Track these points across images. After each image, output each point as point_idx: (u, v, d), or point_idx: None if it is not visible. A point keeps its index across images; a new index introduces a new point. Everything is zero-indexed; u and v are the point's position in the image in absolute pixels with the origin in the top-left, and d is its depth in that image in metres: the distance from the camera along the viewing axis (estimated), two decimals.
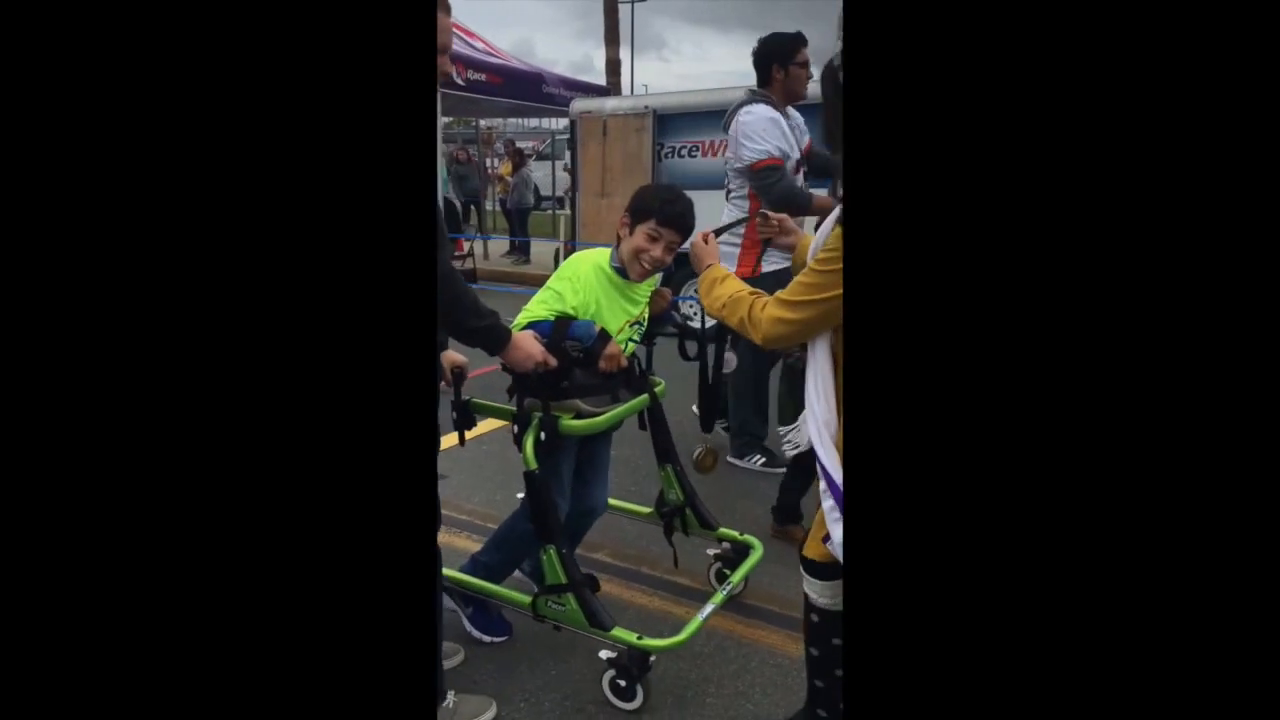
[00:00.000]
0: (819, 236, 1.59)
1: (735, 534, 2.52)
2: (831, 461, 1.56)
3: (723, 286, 1.73)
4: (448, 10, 1.75)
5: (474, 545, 2.97)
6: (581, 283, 2.06)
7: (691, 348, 2.32)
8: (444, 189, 11.26)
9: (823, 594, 1.78)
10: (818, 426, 1.57)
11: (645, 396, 2.24)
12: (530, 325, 2.01)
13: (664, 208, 2.05)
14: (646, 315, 2.25)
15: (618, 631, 2.02)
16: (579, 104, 7.59)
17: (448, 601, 2.33)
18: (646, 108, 6.97)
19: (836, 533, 1.53)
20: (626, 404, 2.17)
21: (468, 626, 2.33)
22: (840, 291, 1.41)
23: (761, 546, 2.49)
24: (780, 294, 1.57)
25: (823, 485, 1.59)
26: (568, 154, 8.26)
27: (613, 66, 14.01)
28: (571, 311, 2.03)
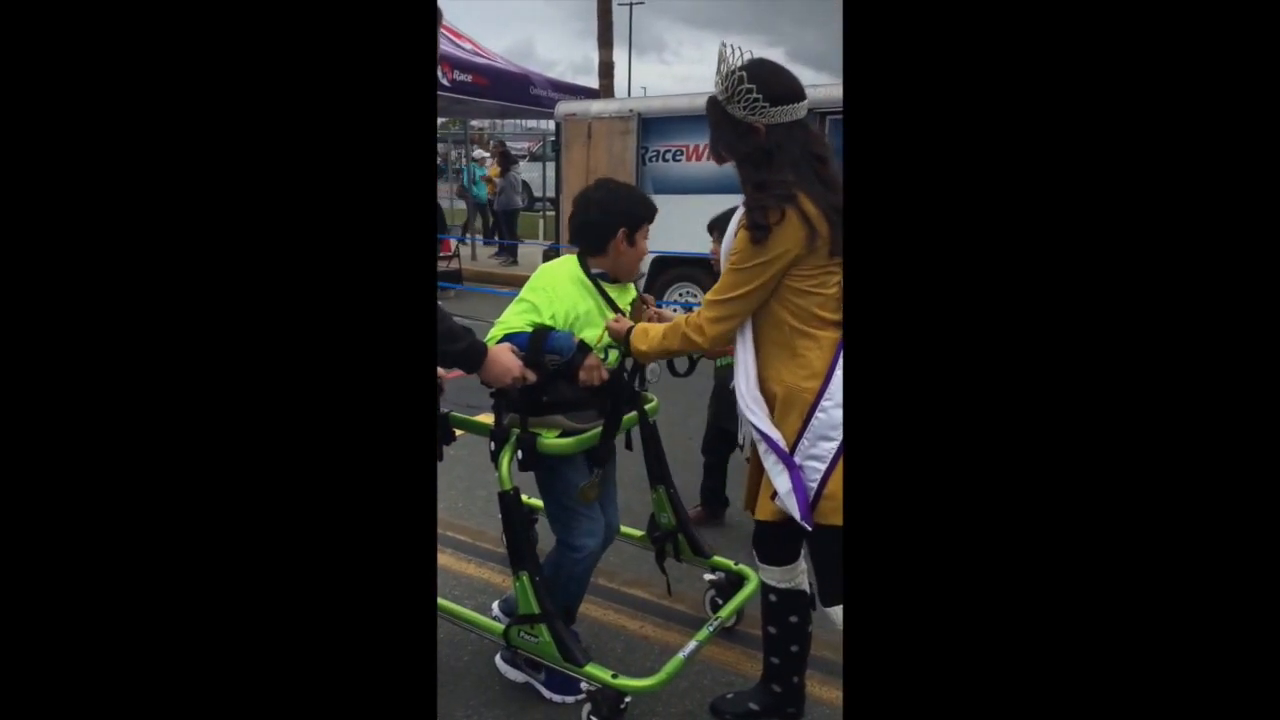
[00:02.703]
0: (726, 241, 1.79)
1: (729, 563, 2.40)
2: (765, 424, 1.74)
3: (653, 330, 1.89)
4: None
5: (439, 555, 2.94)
6: (558, 293, 1.97)
7: (681, 363, 2.23)
8: (482, 194, 11.23)
9: (781, 579, 1.93)
10: (745, 401, 1.76)
11: (634, 414, 2.12)
12: (507, 338, 1.92)
13: (648, 209, 2.05)
14: (629, 315, 2.14)
15: (591, 668, 1.91)
16: (564, 106, 7.56)
17: (516, 674, 2.17)
18: (631, 111, 6.94)
19: (783, 484, 1.72)
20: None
21: (545, 693, 2.12)
22: (756, 284, 1.68)
23: (757, 577, 2.29)
24: (707, 298, 1.77)
25: (762, 447, 1.76)
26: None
27: (606, 69, 14.00)
28: (549, 322, 1.94)
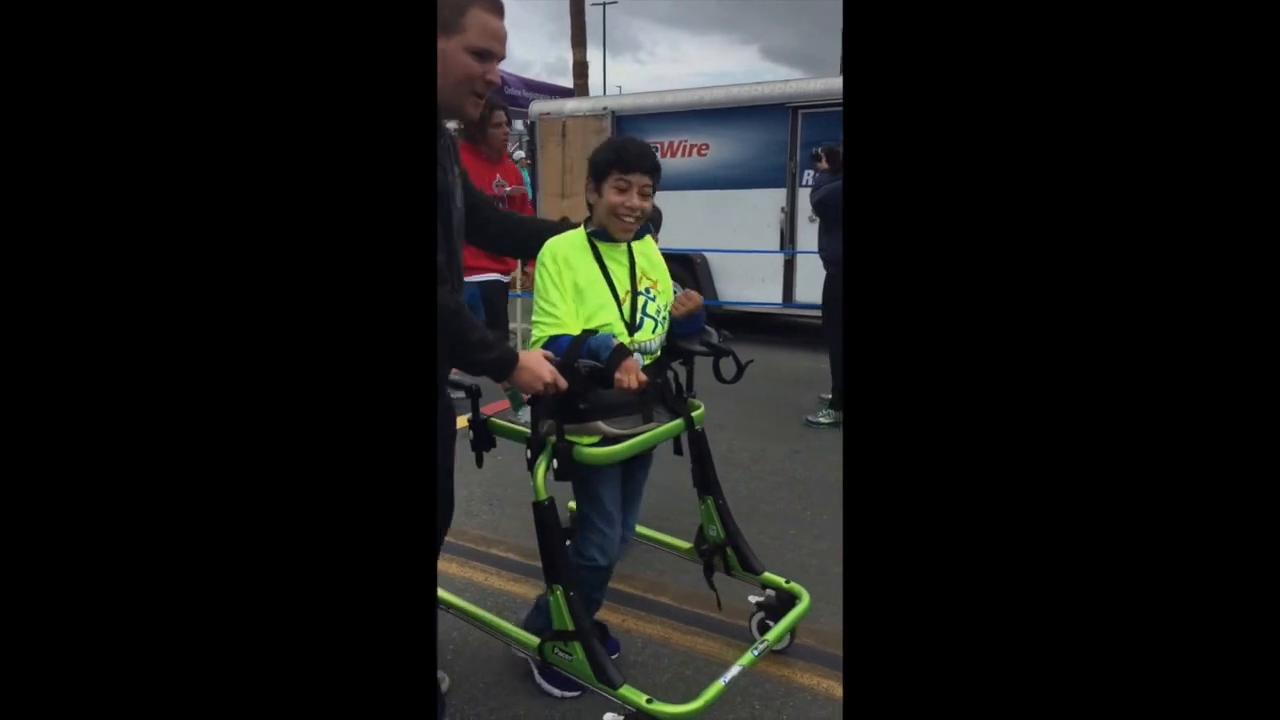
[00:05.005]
0: None
1: (780, 580, 2.23)
2: None
3: None
4: (500, 12, 1.53)
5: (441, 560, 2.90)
6: (563, 262, 1.89)
7: (727, 368, 2.09)
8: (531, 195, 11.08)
9: None
10: None
11: (680, 421, 2.01)
12: (550, 342, 1.85)
13: (622, 154, 1.88)
14: (661, 288, 2.03)
15: (626, 691, 1.81)
16: (538, 105, 7.56)
17: (516, 649, 2.13)
18: (605, 109, 6.95)
19: None
20: (659, 428, 1.94)
21: (538, 679, 2.11)
22: None
23: (808, 596, 2.18)
24: None
25: None
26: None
27: (580, 69, 14.02)
28: (562, 291, 1.86)
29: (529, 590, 2.65)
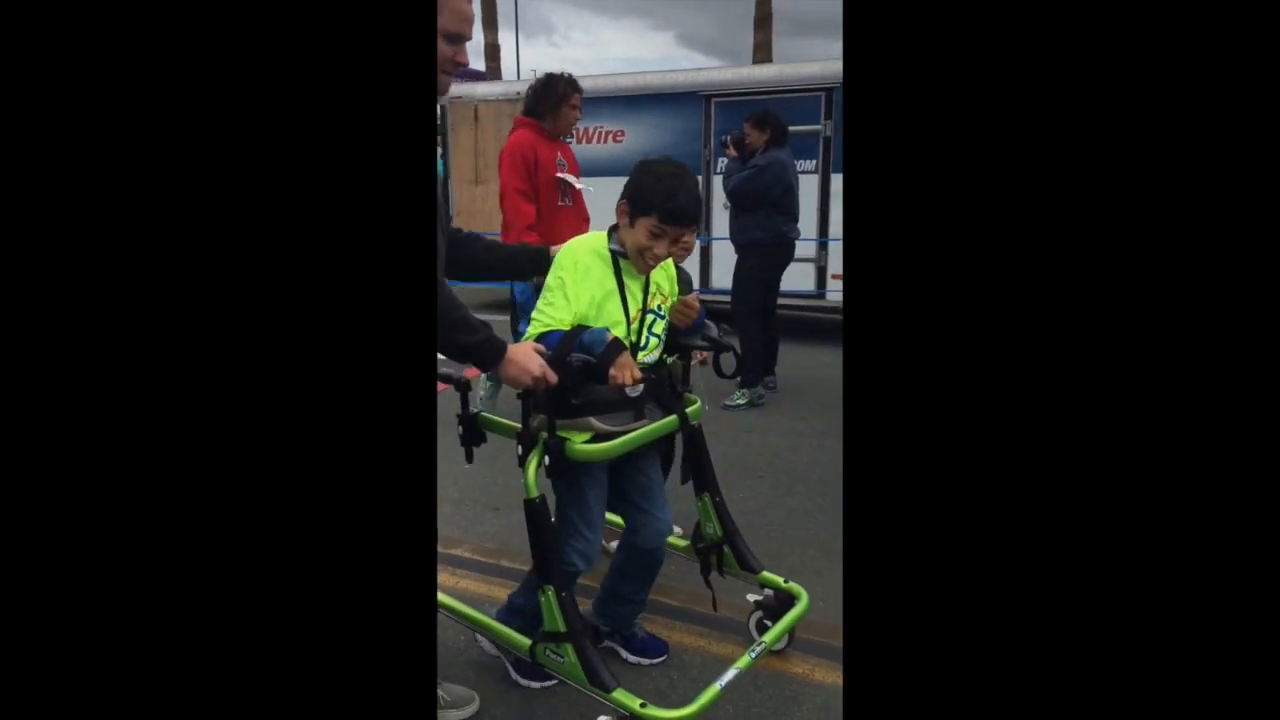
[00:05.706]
0: None
1: (779, 580, 2.19)
2: None
3: None
4: None
5: None
6: (582, 269, 1.85)
7: (727, 363, 2.06)
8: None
9: None
10: None
11: (673, 418, 1.96)
12: (542, 337, 1.80)
13: (667, 204, 1.79)
14: (668, 304, 2.00)
15: (619, 695, 1.76)
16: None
17: (488, 646, 2.13)
18: (519, 93, 6.86)
19: None
20: (653, 424, 1.90)
21: (512, 674, 2.10)
22: None
23: (807, 596, 2.14)
24: None
25: None
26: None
27: (491, 51, 13.82)
28: (575, 300, 1.83)
29: (446, 578, 2.62)
